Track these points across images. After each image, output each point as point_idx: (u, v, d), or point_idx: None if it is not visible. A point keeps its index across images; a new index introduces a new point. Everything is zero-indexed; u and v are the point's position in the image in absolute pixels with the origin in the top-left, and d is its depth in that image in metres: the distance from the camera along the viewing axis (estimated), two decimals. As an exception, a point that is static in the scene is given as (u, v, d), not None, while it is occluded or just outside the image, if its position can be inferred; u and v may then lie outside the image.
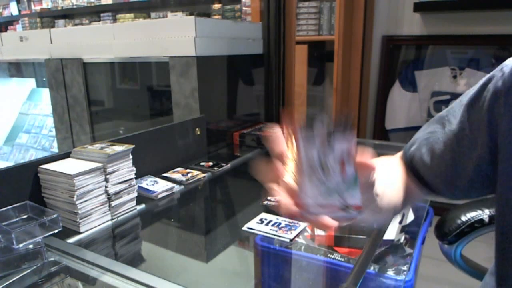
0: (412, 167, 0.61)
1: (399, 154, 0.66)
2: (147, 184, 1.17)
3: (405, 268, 0.71)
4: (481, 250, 0.64)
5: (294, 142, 0.36)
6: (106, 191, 0.98)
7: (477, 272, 0.83)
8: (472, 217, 0.78)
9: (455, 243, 0.79)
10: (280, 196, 0.39)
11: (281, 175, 0.39)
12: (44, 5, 3.74)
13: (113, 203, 1.00)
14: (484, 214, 0.78)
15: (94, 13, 3.51)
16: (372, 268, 0.71)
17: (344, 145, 0.36)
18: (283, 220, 0.93)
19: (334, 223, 0.40)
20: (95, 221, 0.96)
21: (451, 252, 0.82)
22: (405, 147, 0.64)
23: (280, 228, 0.89)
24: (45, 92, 2.40)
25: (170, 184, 1.18)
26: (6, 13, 4.14)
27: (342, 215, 0.40)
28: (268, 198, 0.98)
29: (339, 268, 0.73)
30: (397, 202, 0.57)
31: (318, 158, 0.36)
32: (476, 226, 0.76)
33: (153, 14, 3.12)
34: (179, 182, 1.22)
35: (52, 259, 0.82)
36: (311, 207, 0.39)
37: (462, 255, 0.82)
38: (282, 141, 0.39)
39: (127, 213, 1.04)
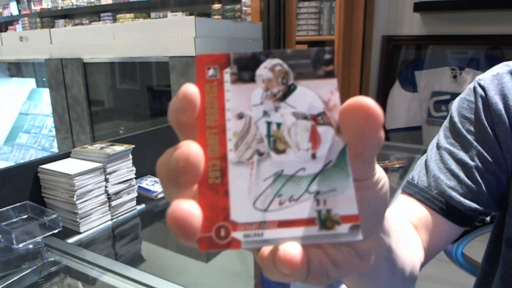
0: (447, 204, 0.50)
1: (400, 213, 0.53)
2: (147, 184, 1.17)
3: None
4: (483, 249, 0.64)
5: (217, 93, 0.20)
6: (106, 191, 0.98)
7: (478, 271, 0.83)
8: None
9: (457, 241, 0.79)
10: (182, 203, 0.19)
11: (194, 166, 0.19)
12: (44, 5, 3.74)
13: (113, 203, 1.00)
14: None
15: (94, 13, 3.50)
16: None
17: (315, 93, 0.20)
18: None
19: (299, 256, 0.18)
20: (95, 221, 0.96)
21: (452, 251, 0.81)
22: (422, 195, 0.52)
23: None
24: (45, 92, 2.40)
25: (170, 184, 1.17)
26: (6, 13, 4.14)
27: (319, 236, 0.19)
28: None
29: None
30: (416, 260, 0.45)
31: (263, 121, 0.20)
32: (477, 225, 0.76)
33: (153, 14, 3.11)
34: (179, 182, 1.22)
35: (52, 259, 0.82)
36: (251, 224, 0.19)
37: (464, 254, 0.82)
38: (196, 102, 0.20)
39: (127, 213, 1.04)
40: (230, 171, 0.19)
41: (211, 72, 0.20)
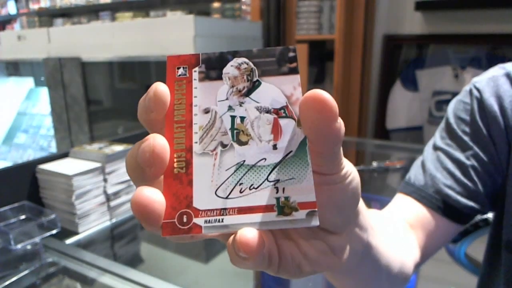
0: (443, 202, 0.50)
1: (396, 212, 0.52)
2: (146, 184, 1.16)
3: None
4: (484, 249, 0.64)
5: (185, 91, 0.21)
6: (105, 191, 0.97)
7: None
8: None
9: (459, 241, 0.79)
10: (145, 190, 0.19)
11: (160, 156, 0.20)
12: (42, 4, 3.73)
13: (112, 204, 0.99)
14: (488, 213, 0.78)
15: (92, 12, 3.49)
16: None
17: (279, 88, 0.21)
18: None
19: (255, 240, 0.19)
20: (93, 221, 0.95)
21: (455, 251, 0.81)
22: (420, 194, 0.52)
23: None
24: (44, 92, 2.39)
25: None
26: (3, 12, 4.13)
27: (277, 221, 0.20)
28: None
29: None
30: (407, 259, 0.43)
31: (228, 115, 0.21)
32: (480, 225, 0.76)
33: (152, 13, 3.10)
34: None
35: (50, 260, 0.81)
36: (212, 211, 0.20)
37: (466, 254, 0.82)
38: (166, 100, 0.21)
39: (126, 213, 1.04)
40: (195, 162, 0.20)
41: (180, 71, 0.22)
